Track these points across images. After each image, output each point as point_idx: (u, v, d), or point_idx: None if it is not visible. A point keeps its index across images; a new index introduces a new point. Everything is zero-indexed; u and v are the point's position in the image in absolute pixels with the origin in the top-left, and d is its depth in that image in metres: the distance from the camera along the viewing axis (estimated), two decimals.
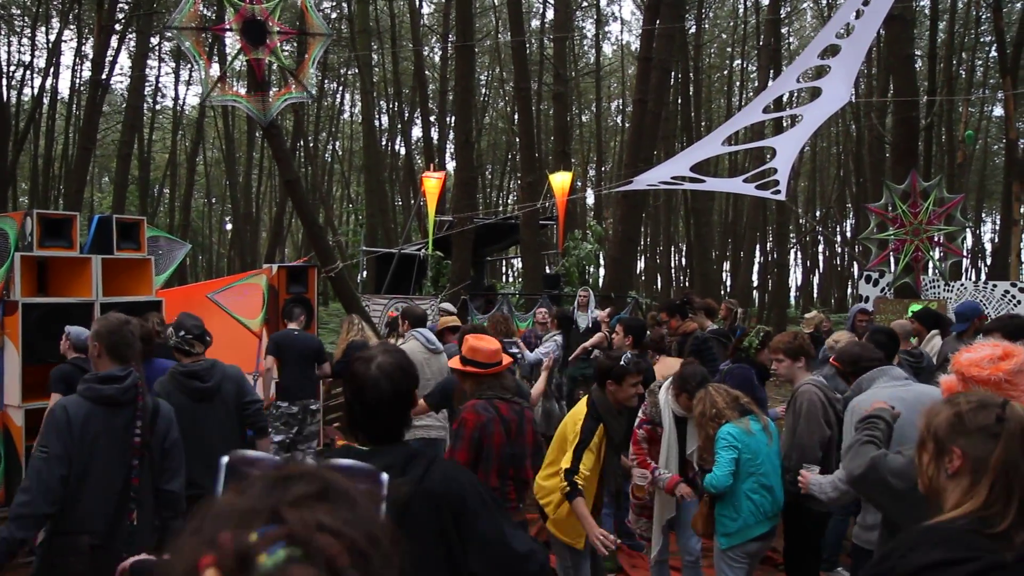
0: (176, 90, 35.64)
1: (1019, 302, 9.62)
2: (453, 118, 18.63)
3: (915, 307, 7.21)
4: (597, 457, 3.70)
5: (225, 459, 1.39)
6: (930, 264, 9.90)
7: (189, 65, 27.63)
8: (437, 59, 30.05)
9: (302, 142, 28.00)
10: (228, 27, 7.99)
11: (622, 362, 3.74)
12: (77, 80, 26.76)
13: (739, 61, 33.02)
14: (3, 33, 27.14)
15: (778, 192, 9.15)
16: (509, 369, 3.81)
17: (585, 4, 32.50)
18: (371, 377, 1.86)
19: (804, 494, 3.40)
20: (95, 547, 2.84)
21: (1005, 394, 2.08)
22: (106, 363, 3.02)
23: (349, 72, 32.17)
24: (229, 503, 0.72)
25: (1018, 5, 23.18)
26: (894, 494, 2.24)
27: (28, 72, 26.76)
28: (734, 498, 3.64)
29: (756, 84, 25.48)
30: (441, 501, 1.80)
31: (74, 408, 2.87)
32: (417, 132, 27.61)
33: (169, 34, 20.61)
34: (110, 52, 21.00)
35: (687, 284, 29.07)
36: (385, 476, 1.47)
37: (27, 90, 26.87)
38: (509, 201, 34.60)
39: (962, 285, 10.41)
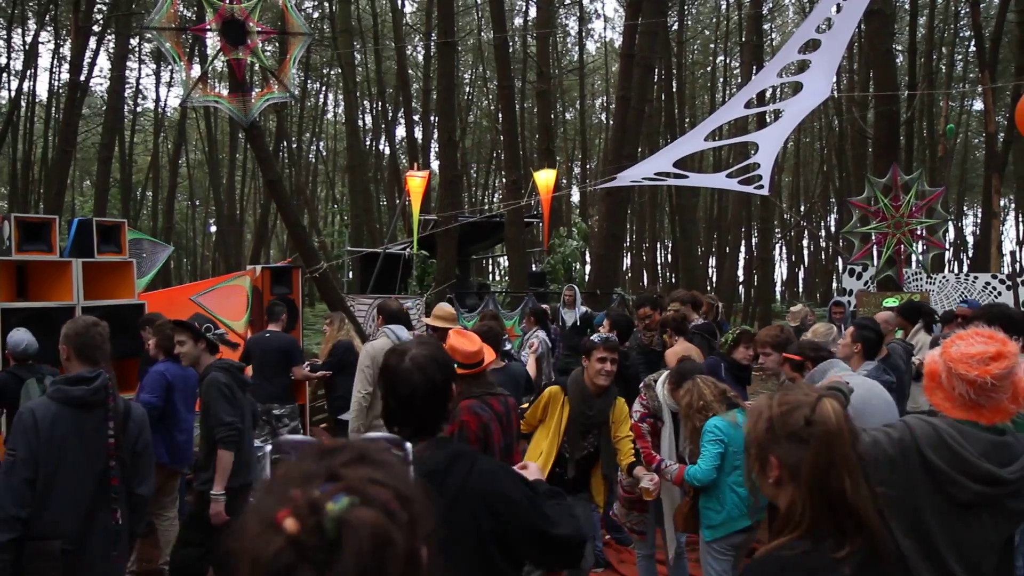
0: (157, 92, 35.42)
1: (1000, 294, 9.72)
2: (436, 117, 18.57)
3: (889, 300, 7.25)
4: (556, 432, 3.91)
5: (268, 447, 1.66)
6: (912, 257, 9.99)
7: (169, 67, 27.38)
8: (420, 58, 29.97)
9: (285, 143, 27.82)
10: (207, 27, 7.91)
11: (592, 338, 3.98)
12: (55, 82, 26.47)
13: (722, 57, 33.17)
14: None
15: (761, 187, 9.18)
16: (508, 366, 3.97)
17: (568, 1, 32.52)
18: (404, 370, 1.84)
19: None
20: (67, 551, 2.81)
21: (986, 396, 1.95)
22: (75, 365, 3.02)
23: (332, 72, 32.02)
24: (290, 470, 0.83)
25: (995, 0, 23.40)
26: None
27: (4, 74, 26.40)
28: (719, 491, 3.66)
29: (739, 80, 25.59)
30: (483, 500, 1.79)
31: (42, 411, 2.86)
32: (401, 131, 27.58)
33: (148, 35, 20.43)
34: (88, 54, 20.75)
35: (673, 280, 29.16)
36: (409, 444, 1.64)
37: (4, 92, 26.52)
38: (494, 199, 34.57)
39: (944, 278, 10.51)
